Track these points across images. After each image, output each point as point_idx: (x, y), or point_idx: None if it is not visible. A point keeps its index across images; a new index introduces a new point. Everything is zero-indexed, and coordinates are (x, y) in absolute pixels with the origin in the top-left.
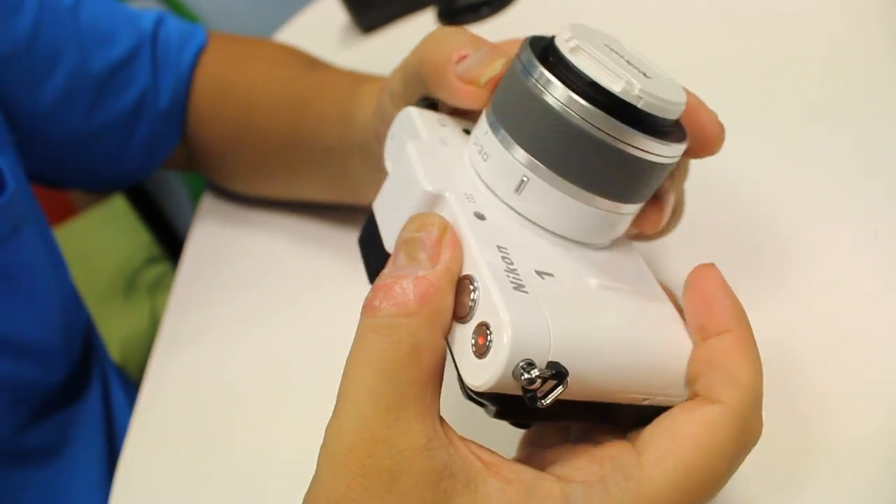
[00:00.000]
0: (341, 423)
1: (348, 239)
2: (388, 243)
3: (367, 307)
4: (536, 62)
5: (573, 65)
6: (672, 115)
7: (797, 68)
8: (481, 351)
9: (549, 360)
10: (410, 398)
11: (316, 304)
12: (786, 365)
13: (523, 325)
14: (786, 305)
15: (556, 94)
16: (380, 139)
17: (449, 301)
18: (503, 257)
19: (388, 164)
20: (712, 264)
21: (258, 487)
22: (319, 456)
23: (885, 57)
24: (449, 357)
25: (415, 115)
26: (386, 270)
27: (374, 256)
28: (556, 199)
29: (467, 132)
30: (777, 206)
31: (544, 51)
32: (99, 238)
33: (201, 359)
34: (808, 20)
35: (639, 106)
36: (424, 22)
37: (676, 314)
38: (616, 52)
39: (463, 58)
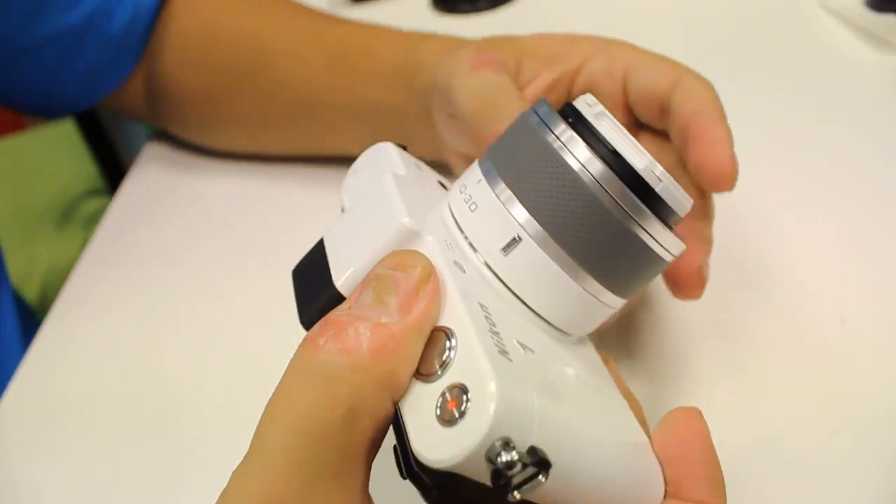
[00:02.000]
0: (248, 480)
1: (306, 207)
2: (341, 281)
3: (309, 342)
4: (559, 118)
5: (597, 130)
6: (681, 210)
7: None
8: (450, 418)
9: (531, 444)
10: (335, 471)
11: (252, 272)
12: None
13: (510, 396)
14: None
15: (577, 152)
16: (436, 105)
17: (410, 362)
18: (486, 317)
19: (346, 198)
20: (696, 410)
21: (152, 438)
22: (219, 501)
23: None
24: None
25: (393, 152)
26: (345, 304)
27: (315, 293)
28: (545, 269)
29: (442, 185)
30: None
31: (562, 112)
32: (41, 159)
33: (108, 309)
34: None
35: (657, 189)
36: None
37: (647, 440)
38: (625, 132)
39: None
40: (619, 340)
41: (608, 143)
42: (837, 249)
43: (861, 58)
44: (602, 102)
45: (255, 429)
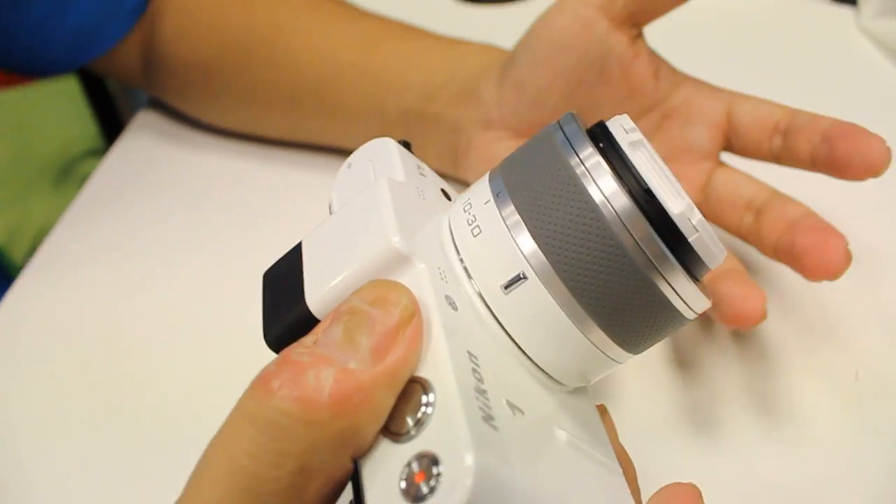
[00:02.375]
0: None
1: (300, 195)
2: (313, 297)
3: (261, 383)
4: (588, 140)
5: (629, 160)
6: (712, 264)
7: None
8: (416, 494)
9: None
10: None
11: (231, 253)
12: None
13: (490, 475)
14: None
15: (602, 183)
16: (498, 72)
17: (378, 417)
18: (474, 370)
19: (335, 197)
20: (695, 490)
21: (118, 408)
22: None
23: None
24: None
25: (394, 150)
26: (308, 339)
27: (284, 308)
28: (547, 312)
29: (445, 194)
30: None
31: (593, 132)
32: (43, 114)
33: (80, 276)
34: None
35: (690, 240)
36: None
37: None
38: (665, 168)
39: None
40: (628, 387)
41: (641, 177)
42: (855, 301)
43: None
44: (704, 116)
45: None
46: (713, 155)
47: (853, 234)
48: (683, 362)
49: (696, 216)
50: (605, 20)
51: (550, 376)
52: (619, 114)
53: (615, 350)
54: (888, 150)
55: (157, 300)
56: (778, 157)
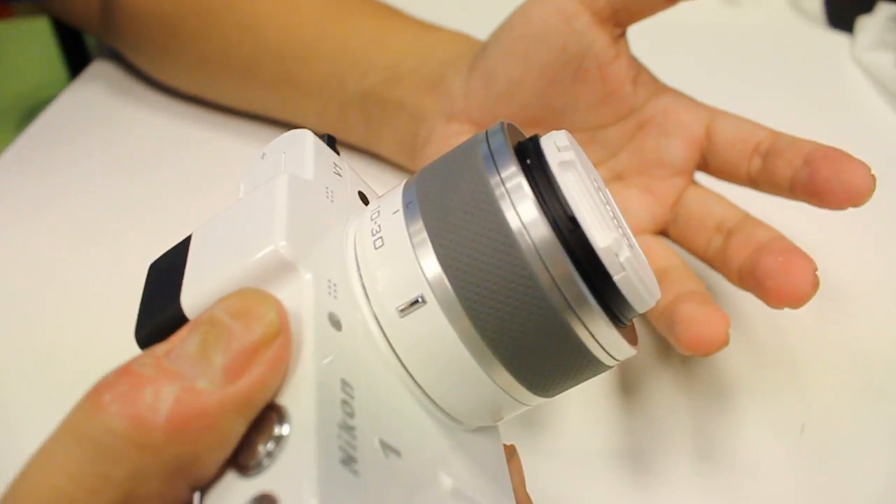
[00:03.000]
0: None
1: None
2: (188, 298)
3: (93, 394)
4: (513, 157)
5: (556, 182)
6: (641, 307)
7: None
8: None
9: None
10: None
11: (164, 220)
12: None
13: None
14: None
15: (521, 208)
16: (469, 61)
17: (223, 446)
18: (344, 402)
19: (243, 190)
20: None
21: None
22: None
23: None
24: None
25: (309, 144)
26: (160, 348)
27: (159, 304)
28: (447, 345)
29: (363, 197)
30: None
31: (523, 147)
32: (14, 54)
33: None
34: None
35: (615, 278)
36: None
37: None
38: (602, 192)
39: None
40: (560, 414)
41: (566, 203)
42: (801, 350)
43: (884, 122)
44: (681, 128)
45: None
46: (687, 172)
47: (824, 269)
48: (628, 389)
49: (625, 253)
50: (587, 14)
51: (447, 414)
52: (593, 117)
53: (522, 392)
54: (872, 178)
55: (81, 261)
56: (755, 181)
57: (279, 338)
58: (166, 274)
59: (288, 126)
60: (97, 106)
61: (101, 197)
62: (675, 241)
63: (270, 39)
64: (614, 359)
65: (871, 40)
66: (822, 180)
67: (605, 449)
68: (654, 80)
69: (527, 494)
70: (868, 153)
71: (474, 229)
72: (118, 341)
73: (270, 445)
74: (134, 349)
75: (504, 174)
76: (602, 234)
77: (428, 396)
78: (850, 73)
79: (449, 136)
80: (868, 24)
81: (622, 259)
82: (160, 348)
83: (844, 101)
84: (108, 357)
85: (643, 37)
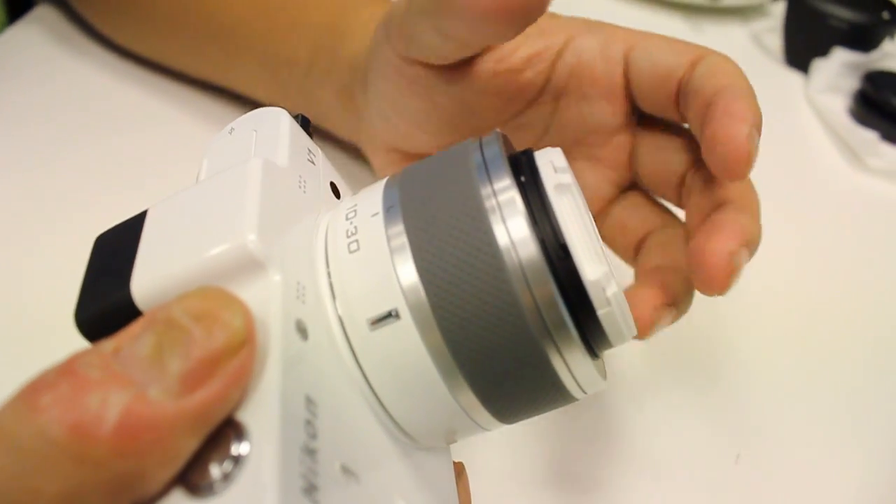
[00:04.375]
0: None
1: (192, 144)
2: (139, 285)
3: (28, 393)
4: (508, 169)
5: (550, 205)
6: (616, 343)
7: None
8: None
9: None
10: None
11: (90, 190)
12: None
13: None
14: None
15: (512, 224)
16: (363, 85)
17: (171, 463)
18: (308, 422)
19: (205, 166)
20: None
21: None
22: None
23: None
24: None
25: (285, 125)
26: (107, 345)
27: (105, 287)
28: (415, 361)
29: (334, 190)
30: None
31: (516, 161)
32: None
33: None
34: None
35: (599, 313)
36: None
37: None
38: (590, 223)
39: None
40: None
41: (559, 229)
42: (735, 380)
43: (831, 163)
44: (597, 86)
45: None
46: (624, 125)
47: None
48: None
49: (612, 288)
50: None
51: (405, 431)
52: (502, 112)
53: (484, 416)
54: (747, 144)
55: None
56: (684, 121)
57: (244, 349)
58: (115, 252)
59: (232, 94)
60: (35, 53)
61: (29, 151)
62: (641, 197)
63: (211, 10)
64: (583, 391)
65: (824, 83)
66: (707, 139)
67: (548, 471)
68: (547, 46)
69: None
70: (813, 191)
71: (458, 240)
72: (44, 322)
73: (227, 465)
74: (67, 335)
75: (497, 186)
76: (592, 266)
77: (387, 412)
78: (803, 111)
79: (385, 167)
80: (823, 67)
81: (609, 294)
82: (107, 345)
83: (793, 138)
84: (37, 341)
85: None
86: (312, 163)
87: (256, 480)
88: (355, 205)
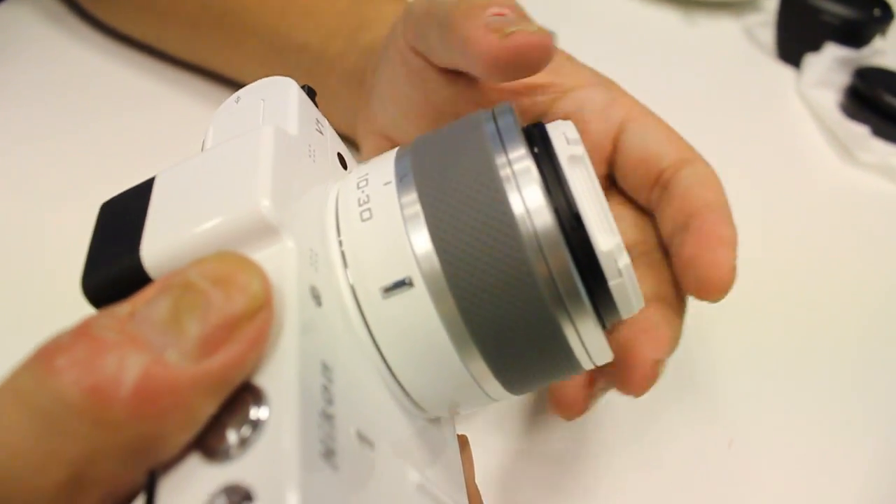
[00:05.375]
0: None
1: (187, 131)
2: (150, 250)
3: (44, 355)
4: (522, 139)
5: (564, 176)
6: (626, 314)
7: None
8: None
9: None
10: None
11: (76, 174)
12: None
13: None
14: None
15: (527, 193)
16: (374, 68)
17: (189, 426)
18: (325, 387)
19: (211, 133)
20: None
21: None
22: None
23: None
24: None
25: (293, 94)
26: (122, 309)
27: (113, 253)
28: (427, 328)
29: (342, 160)
30: None
31: (528, 133)
32: None
33: None
34: None
35: (610, 284)
36: None
37: None
38: (601, 195)
39: (499, 15)
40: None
41: (573, 199)
42: (728, 369)
43: (820, 158)
44: (585, 140)
45: None
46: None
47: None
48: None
49: (624, 259)
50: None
51: (414, 401)
52: None
53: (493, 386)
54: (731, 274)
55: None
56: (654, 211)
57: (262, 312)
58: (123, 218)
59: (232, 81)
60: (24, 31)
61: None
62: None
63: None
64: (592, 362)
65: (816, 78)
66: (684, 259)
67: (540, 455)
68: (554, 83)
69: (476, 486)
70: (804, 184)
71: (473, 208)
72: (37, 290)
73: (245, 430)
74: (72, 313)
75: (512, 155)
76: (605, 237)
77: (397, 381)
78: (794, 105)
79: (371, 152)
80: (814, 62)
81: (621, 265)
82: (122, 309)
83: (785, 132)
84: (42, 319)
85: (588, 46)
86: (321, 132)
87: (276, 445)
88: (366, 174)
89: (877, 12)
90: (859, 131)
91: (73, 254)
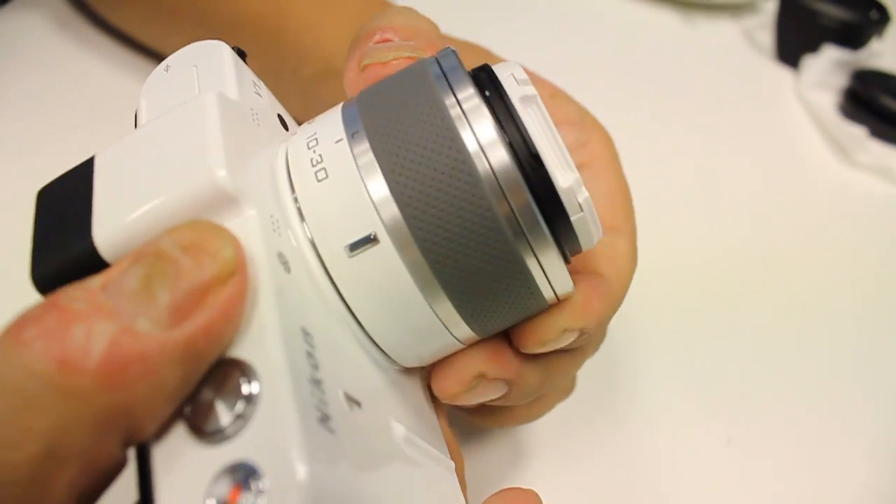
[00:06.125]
0: None
1: None
2: (103, 233)
3: (12, 329)
4: (468, 79)
5: (518, 116)
6: (587, 246)
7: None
8: None
9: None
10: None
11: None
12: None
13: (327, 494)
14: None
15: (480, 129)
16: None
17: (161, 397)
18: (308, 353)
19: (144, 105)
20: (535, 495)
21: None
22: None
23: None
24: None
25: (228, 58)
26: (95, 281)
27: (63, 239)
28: (395, 279)
29: (282, 121)
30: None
31: (476, 77)
32: None
33: None
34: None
35: (571, 218)
36: None
37: None
38: (556, 133)
39: (386, 41)
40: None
41: (529, 138)
42: (727, 367)
43: (818, 159)
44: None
45: None
46: None
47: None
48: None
49: (584, 194)
50: None
51: (385, 353)
52: None
53: (461, 328)
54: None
55: None
56: None
57: (234, 278)
58: (66, 203)
59: None
60: (28, 35)
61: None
62: None
63: (218, 9)
64: (555, 294)
65: (814, 79)
66: None
67: (543, 453)
68: None
69: (451, 433)
70: (801, 185)
71: (426, 150)
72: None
73: (239, 406)
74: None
75: (460, 95)
76: (564, 174)
77: (367, 335)
78: (792, 107)
79: None
80: (812, 64)
81: (580, 199)
82: (95, 281)
83: (783, 133)
84: None
85: (582, 57)
86: (259, 94)
87: (275, 417)
88: (314, 133)
89: (873, 15)
90: (857, 133)
91: None
